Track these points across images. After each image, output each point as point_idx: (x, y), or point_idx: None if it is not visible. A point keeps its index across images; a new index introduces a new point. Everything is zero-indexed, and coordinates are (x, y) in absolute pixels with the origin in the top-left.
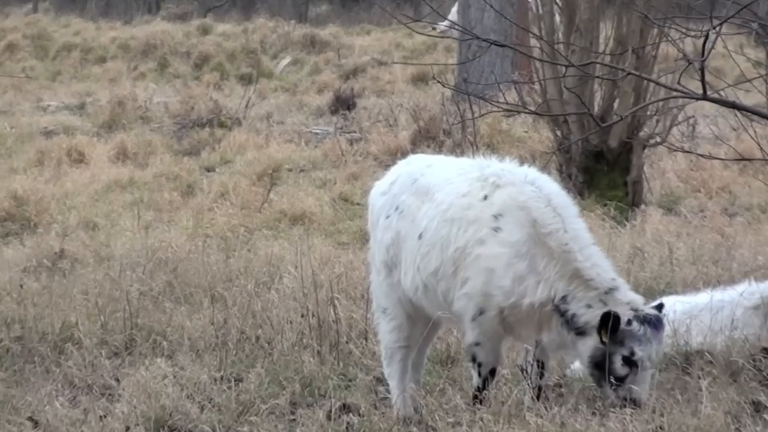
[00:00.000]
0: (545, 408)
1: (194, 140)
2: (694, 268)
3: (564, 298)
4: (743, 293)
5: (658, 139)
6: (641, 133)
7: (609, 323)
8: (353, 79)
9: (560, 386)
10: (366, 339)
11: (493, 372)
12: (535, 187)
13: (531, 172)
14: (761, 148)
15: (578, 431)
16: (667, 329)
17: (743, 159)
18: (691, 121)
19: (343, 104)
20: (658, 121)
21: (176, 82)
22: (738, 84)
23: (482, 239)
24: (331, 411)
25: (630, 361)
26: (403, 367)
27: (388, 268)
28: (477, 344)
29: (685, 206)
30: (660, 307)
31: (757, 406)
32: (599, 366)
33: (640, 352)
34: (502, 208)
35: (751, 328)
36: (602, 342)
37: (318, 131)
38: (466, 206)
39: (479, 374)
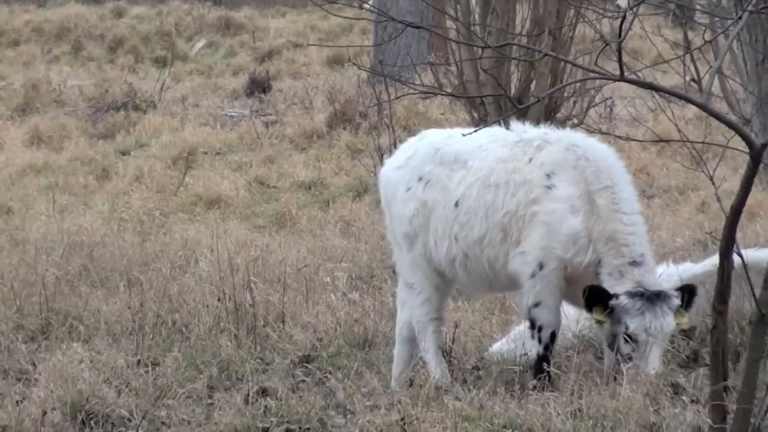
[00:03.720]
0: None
1: (109, 124)
2: None
3: (599, 262)
4: (662, 275)
5: (576, 121)
6: (558, 115)
7: (597, 300)
8: (268, 62)
9: (478, 369)
10: (283, 323)
11: (553, 336)
12: (586, 147)
13: (575, 134)
14: (679, 130)
15: (497, 414)
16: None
17: (661, 140)
18: (609, 102)
19: (259, 87)
20: (575, 102)
21: (90, 65)
22: (656, 65)
23: (536, 198)
24: (248, 395)
25: (629, 337)
26: (437, 339)
27: (410, 240)
28: (537, 305)
29: None
30: (689, 288)
31: (676, 388)
32: (611, 347)
33: (632, 325)
34: (554, 166)
35: None
36: (597, 321)
37: (233, 114)
38: (511, 170)
39: (540, 340)
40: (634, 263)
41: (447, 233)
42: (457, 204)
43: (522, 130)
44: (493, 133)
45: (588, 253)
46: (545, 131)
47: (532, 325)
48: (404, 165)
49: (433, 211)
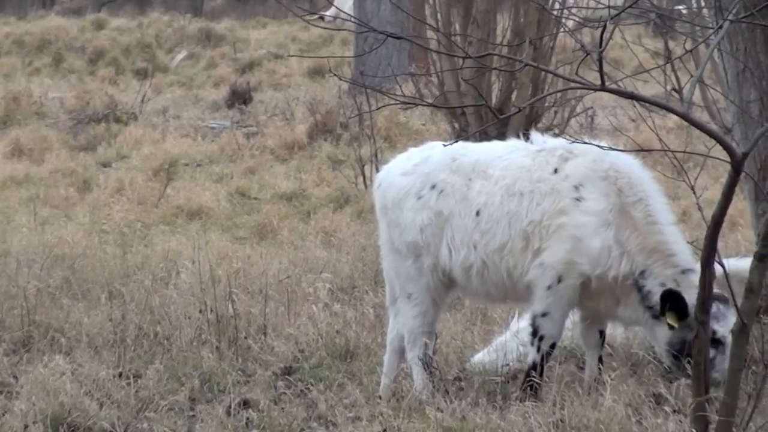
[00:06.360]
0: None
1: (90, 135)
2: None
3: (642, 273)
4: None
5: (557, 131)
6: (539, 125)
7: (674, 305)
8: (249, 73)
9: (460, 380)
10: (265, 334)
11: (552, 347)
12: (613, 159)
13: (600, 148)
14: (660, 139)
15: (479, 425)
16: (567, 322)
17: (642, 150)
18: (590, 112)
19: (240, 98)
20: (556, 112)
21: (71, 78)
22: (636, 75)
23: (563, 209)
24: (230, 407)
25: (715, 341)
26: (425, 352)
27: (416, 250)
28: (544, 314)
29: None
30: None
31: (658, 398)
32: (680, 353)
33: (721, 329)
34: (582, 178)
35: None
36: (669, 326)
37: (214, 125)
38: (535, 179)
39: (538, 349)
40: (688, 271)
41: (465, 242)
42: (478, 213)
43: (542, 140)
44: (511, 143)
45: (621, 266)
46: (566, 141)
47: (534, 333)
48: (412, 171)
49: (449, 221)
